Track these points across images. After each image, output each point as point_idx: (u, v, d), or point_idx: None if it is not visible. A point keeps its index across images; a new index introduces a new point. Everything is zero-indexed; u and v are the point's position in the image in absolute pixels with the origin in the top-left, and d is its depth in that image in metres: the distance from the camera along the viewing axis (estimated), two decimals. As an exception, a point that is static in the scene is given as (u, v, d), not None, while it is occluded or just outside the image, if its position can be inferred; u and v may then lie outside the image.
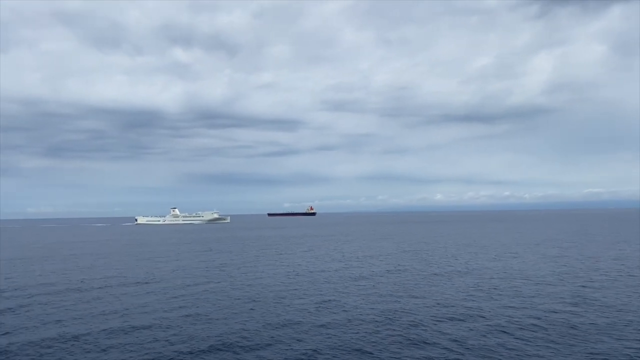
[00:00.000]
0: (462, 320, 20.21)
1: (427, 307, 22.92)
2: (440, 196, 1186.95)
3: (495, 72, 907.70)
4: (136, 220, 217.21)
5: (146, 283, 31.98)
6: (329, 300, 25.07)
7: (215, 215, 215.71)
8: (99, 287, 30.60)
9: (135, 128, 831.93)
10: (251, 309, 23.12)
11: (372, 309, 22.69)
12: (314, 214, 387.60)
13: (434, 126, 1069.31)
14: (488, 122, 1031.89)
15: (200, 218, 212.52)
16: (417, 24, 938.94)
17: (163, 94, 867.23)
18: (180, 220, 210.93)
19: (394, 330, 18.80)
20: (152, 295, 27.28)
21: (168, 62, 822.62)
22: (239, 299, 25.88)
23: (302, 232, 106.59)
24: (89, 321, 21.18)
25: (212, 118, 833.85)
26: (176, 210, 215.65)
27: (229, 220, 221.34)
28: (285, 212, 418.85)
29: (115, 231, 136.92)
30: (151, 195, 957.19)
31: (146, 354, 16.29)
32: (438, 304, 23.57)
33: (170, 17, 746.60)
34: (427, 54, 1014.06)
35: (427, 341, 17.15)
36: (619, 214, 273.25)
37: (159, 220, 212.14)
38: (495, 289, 27.58)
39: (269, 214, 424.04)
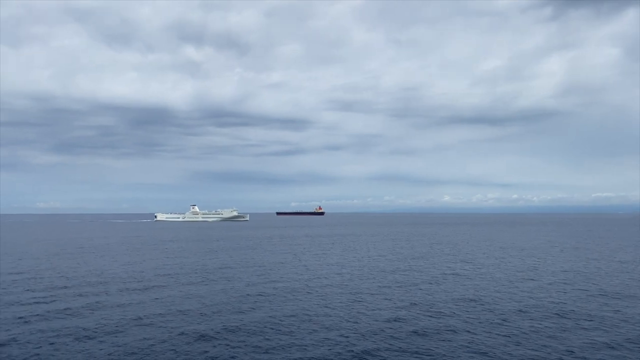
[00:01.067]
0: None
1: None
2: (447, 198, 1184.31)
3: (505, 74, 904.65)
4: (155, 217, 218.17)
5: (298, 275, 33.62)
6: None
7: (235, 213, 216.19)
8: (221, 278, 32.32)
9: (145, 125, 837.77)
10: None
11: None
12: (322, 213, 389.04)
13: (443, 128, 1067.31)
14: (497, 125, 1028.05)
15: (220, 215, 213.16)
16: (427, 24, 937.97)
17: (173, 91, 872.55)
18: (199, 218, 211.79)
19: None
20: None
21: (179, 60, 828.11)
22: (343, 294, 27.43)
23: (327, 232, 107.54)
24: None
25: (221, 116, 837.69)
26: (195, 207, 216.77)
27: (247, 219, 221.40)
28: (293, 211, 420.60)
29: (144, 227, 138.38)
30: (159, 192, 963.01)
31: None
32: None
33: (182, 15, 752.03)
34: (437, 55, 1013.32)
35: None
36: (630, 219, 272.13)
37: (178, 218, 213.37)
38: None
39: (278, 213, 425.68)
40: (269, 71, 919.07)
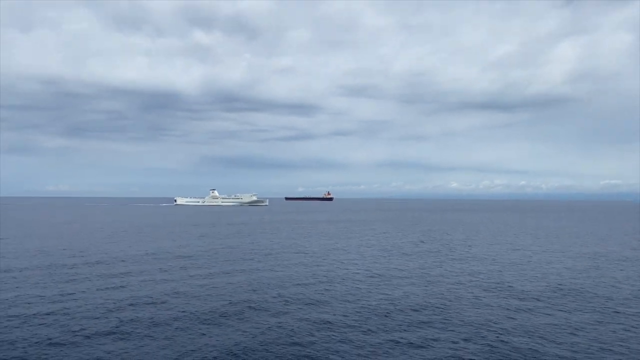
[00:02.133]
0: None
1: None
2: (455, 184, 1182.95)
3: (517, 60, 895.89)
4: (175, 201, 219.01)
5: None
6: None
7: (254, 198, 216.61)
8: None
9: (154, 109, 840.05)
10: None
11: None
12: (331, 199, 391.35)
13: (452, 113, 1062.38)
14: (507, 111, 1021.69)
15: (239, 200, 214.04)
16: (439, 9, 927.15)
17: (182, 76, 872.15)
18: (219, 202, 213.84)
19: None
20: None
21: (188, 45, 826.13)
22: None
23: (347, 217, 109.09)
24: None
25: (230, 101, 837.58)
26: (215, 192, 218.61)
27: (267, 203, 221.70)
28: (301, 196, 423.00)
29: (169, 211, 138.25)
30: (167, 177, 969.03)
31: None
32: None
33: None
34: (449, 40, 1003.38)
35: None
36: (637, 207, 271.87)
37: (198, 202, 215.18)
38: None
39: (287, 198, 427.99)
40: (278, 56, 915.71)
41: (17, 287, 23.95)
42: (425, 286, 25.13)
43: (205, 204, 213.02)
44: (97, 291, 23.20)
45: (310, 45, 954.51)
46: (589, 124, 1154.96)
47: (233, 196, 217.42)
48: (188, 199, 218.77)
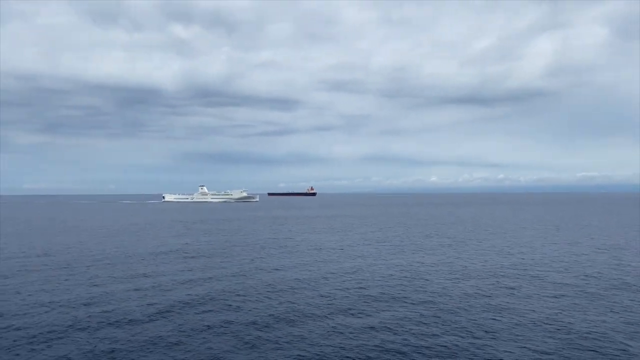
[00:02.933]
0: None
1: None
2: (435, 178, 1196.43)
3: (496, 55, 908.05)
4: (163, 197, 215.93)
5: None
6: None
7: (244, 194, 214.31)
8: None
9: (132, 105, 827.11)
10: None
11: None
12: (314, 194, 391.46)
13: (432, 108, 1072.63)
14: (486, 105, 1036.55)
15: (229, 196, 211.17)
16: (420, 4, 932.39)
17: (161, 71, 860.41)
18: (209, 198, 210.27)
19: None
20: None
21: (167, 39, 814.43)
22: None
23: (337, 212, 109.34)
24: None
25: (209, 96, 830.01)
26: (204, 188, 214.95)
27: (257, 199, 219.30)
28: (284, 192, 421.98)
29: (160, 208, 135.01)
30: (146, 174, 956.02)
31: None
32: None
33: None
34: (429, 34, 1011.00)
35: None
36: (614, 198, 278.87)
37: (187, 198, 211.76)
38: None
39: (269, 194, 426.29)
40: (258, 50, 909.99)
41: (68, 285, 23.01)
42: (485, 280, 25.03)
43: (194, 200, 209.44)
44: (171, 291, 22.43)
45: (291, 39, 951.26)
46: (565, 117, 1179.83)
47: (223, 192, 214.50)
48: (176, 196, 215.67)
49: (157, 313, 18.81)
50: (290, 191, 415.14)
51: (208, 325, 17.09)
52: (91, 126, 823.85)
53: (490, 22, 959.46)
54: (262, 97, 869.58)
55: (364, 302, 20.64)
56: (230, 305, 20.10)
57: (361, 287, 23.57)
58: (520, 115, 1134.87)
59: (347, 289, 23.28)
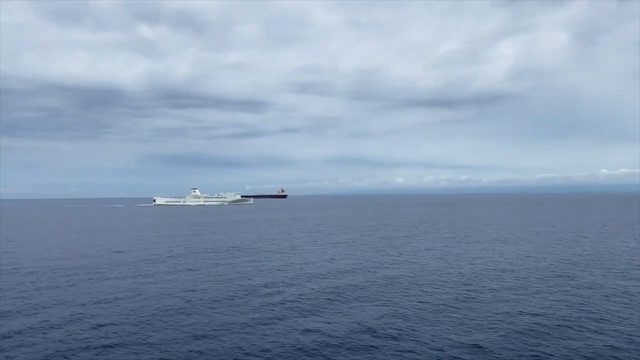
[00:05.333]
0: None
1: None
2: (401, 180, 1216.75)
3: (461, 58, 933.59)
4: (154, 201, 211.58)
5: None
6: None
7: (238, 197, 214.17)
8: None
9: (95, 106, 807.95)
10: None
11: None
12: (285, 196, 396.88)
13: (399, 110, 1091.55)
14: (452, 107, 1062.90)
15: (223, 199, 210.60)
16: (388, 7, 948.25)
17: (125, 71, 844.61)
18: (201, 201, 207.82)
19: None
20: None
21: (132, 39, 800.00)
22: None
23: (327, 214, 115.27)
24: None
25: (175, 98, 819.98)
26: (197, 191, 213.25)
27: (252, 202, 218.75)
28: (252, 194, 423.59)
29: (158, 212, 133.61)
30: (109, 177, 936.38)
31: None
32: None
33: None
34: (397, 37, 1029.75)
35: None
36: (571, 198, 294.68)
37: (178, 201, 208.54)
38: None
39: (241, 196, 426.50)
40: (226, 51, 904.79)
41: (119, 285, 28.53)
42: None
43: (186, 203, 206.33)
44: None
45: (259, 40, 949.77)
46: (527, 119, 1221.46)
47: (216, 195, 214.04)
48: (168, 199, 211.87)
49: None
50: (258, 193, 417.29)
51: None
52: (52, 128, 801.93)
53: (456, 25, 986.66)
54: (230, 98, 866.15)
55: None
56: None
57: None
58: (484, 118, 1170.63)
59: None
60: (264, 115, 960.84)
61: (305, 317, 18.96)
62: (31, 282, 26.64)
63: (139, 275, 28.80)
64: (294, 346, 15.51)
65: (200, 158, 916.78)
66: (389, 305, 20.57)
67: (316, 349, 15.18)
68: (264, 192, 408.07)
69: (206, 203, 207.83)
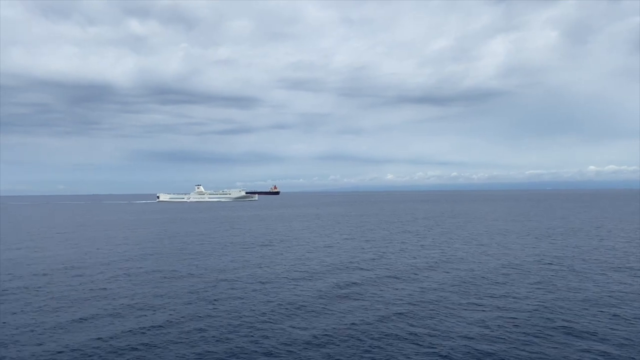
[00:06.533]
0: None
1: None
2: (391, 176, 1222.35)
3: (452, 55, 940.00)
4: (158, 197, 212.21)
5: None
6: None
7: (243, 193, 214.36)
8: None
9: (84, 102, 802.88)
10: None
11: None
12: (277, 193, 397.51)
13: (389, 107, 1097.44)
14: (442, 105, 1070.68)
15: (228, 196, 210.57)
16: (380, 3, 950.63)
17: (115, 67, 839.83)
18: (206, 198, 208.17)
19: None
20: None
21: (122, 35, 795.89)
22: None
23: (335, 211, 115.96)
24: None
25: (165, 93, 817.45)
26: (201, 187, 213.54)
27: (256, 198, 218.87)
28: (248, 190, 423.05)
29: (184, 208, 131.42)
30: (96, 173, 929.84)
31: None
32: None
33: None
34: (388, 34, 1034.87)
35: None
36: (557, 195, 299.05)
37: (182, 198, 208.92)
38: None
39: (246, 192, 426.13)
40: (217, 47, 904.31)
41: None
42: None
43: (190, 200, 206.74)
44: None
45: (251, 36, 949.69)
46: (516, 116, 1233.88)
47: (220, 192, 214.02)
48: (172, 195, 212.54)
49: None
50: (250, 190, 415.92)
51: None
52: (39, 124, 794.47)
53: (448, 23, 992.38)
54: (220, 94, 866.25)
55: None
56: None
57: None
58: (474, 115, 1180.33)
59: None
60: (254, 111, 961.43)
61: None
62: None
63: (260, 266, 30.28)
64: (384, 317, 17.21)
65: (190, 154, 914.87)
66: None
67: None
68: (254, 189, 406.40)
69: (211, 199, 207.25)
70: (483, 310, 18.83)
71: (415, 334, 16.14)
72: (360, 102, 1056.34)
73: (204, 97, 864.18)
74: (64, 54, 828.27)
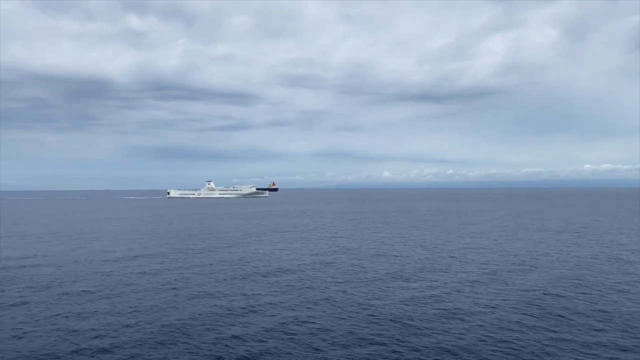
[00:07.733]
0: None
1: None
2: (387, 174, 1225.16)
3: (451, 53, 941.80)
4: (168, 193, 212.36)
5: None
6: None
7: (253, 190, 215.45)
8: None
9: (81, 98, 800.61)
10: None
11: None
12: (276, 189, 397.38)
13: (388, 105, 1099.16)
14: (440, 102, 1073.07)
15: (238, 192, 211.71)
16: (379, 0, 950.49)
17: (113, 62, 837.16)
18: (216, 194, 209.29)
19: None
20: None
21: (120, 29, 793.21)
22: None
23: (342, 208, 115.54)
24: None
25: (163, 89, 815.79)
26: (211, 183, 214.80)
27: (267, 195, 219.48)
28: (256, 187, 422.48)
29: (201, 204, 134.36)
30: (94, 169, 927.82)
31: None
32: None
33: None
34: (388, 31, 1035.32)
35: None
36: (551, 193, 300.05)
37: (193, 194, 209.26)
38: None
39: (257, 189, 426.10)
40: (216, 43, 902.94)
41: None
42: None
43: (201, 196, 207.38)
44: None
45: (250, 33, 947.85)
46: (513, 115, 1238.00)
47: (231, 188, 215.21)
48: (182, 191, 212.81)
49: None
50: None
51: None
52: (36, 119, 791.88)
53: (447, 20, 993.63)
54: (219, 91, 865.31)
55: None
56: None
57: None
58: (471, 113, 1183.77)
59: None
60: (252, 108, 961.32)
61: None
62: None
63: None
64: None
65: (188, 150, 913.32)
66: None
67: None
68: (255, 185, 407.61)
69: (222, 195, 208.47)
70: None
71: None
72: (359, 100, 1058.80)
73: (202, 94, 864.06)
74: (62, 49, 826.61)
